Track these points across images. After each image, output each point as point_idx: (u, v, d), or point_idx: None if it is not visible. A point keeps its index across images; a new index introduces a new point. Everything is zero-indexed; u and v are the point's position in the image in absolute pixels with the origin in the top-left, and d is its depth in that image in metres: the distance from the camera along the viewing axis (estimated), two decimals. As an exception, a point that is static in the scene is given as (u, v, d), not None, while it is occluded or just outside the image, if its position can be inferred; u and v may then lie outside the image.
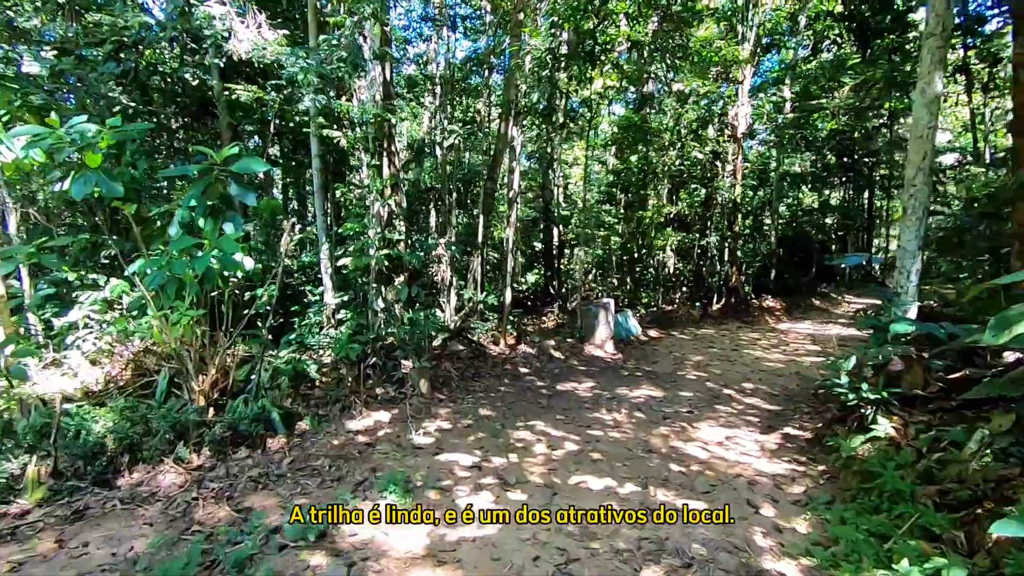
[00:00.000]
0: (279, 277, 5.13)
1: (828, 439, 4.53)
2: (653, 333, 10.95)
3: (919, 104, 5.79)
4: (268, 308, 6.96)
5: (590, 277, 16.04)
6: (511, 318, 9.47)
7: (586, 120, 9.79)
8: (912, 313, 5.37)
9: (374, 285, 6.68)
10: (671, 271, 14.72)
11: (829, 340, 10.64)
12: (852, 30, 16.60)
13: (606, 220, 15.38)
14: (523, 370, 7.57)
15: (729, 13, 12.12)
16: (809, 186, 20.90)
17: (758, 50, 13.46)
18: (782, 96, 15.34)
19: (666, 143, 12.75)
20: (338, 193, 6.94)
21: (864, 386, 4.00)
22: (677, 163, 12.79)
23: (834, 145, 19.32)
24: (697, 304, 14.03)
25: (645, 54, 8.91)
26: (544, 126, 10.79)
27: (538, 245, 15.52)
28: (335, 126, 7.84)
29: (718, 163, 14.22)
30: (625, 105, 16.31)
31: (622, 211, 15.02)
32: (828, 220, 22.73)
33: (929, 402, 3.93)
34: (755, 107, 13.94)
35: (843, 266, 21.58)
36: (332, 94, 6.40)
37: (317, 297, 7.95)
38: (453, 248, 8.78)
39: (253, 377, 4.92)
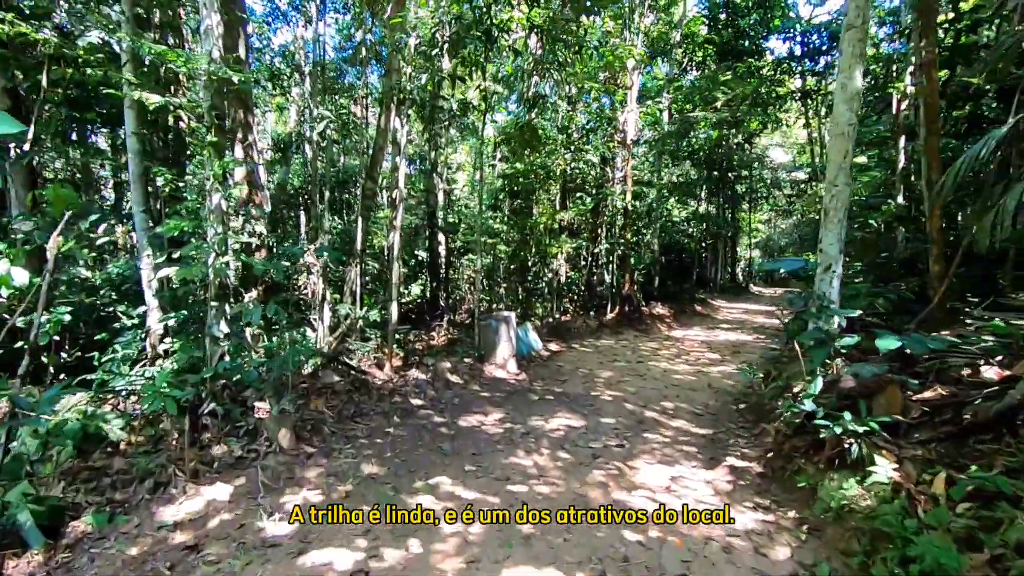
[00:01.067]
0: (44, 294, 3.36)
1: (792, 474, 3.85)
2: (554, 347, 10.16)
3: (839, 100, 5.51)
4: (52, 338, 4.98)
5: (479, 288, 15.05)
6: (397, 336, 8.09)
7: (479, 114, 8.76)
8: (839, 322, 5.00)
9: (214, 304, 4.99)
10: (563, 280, 14.19)
11: (725, 347, 10.60)
12: (716, 53, 17.53)
13: (495, 227, 14.52)
14: (416, 402, 6.25)
15: (619, 15, 11.87)
16: (677, 198, 21.90)
17: (644, 56, 13.45)
18: (661, 107, 15.62)
19: (557, 146, 12.17)
20: (159, 181, 5.16)
21: (847, 415, 3.31)
22: (569, 168, 12.24)
23: (704, 157, 20.35)
24: (591, 313, 13.62)
25: (544, 41, 8.06)
26: (430, 122, 9.62)
27: (421, 254, 14.20)
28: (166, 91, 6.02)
29: (608, 169, 13.99)
30: (513, 112, 15.68)
31: (510, 218, 14.24)
32: (698, 230, 24.06)
33: (914, 430, 3.34)
34: (642, 114, 13.94)
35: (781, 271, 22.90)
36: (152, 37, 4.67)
37: (134, 320, 6.00)
38: (326, 255, 7.21)
39: (-6, 454, 3.12)
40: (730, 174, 22.37)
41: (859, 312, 5.32)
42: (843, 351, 4.45)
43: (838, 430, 3.27)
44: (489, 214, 14.70)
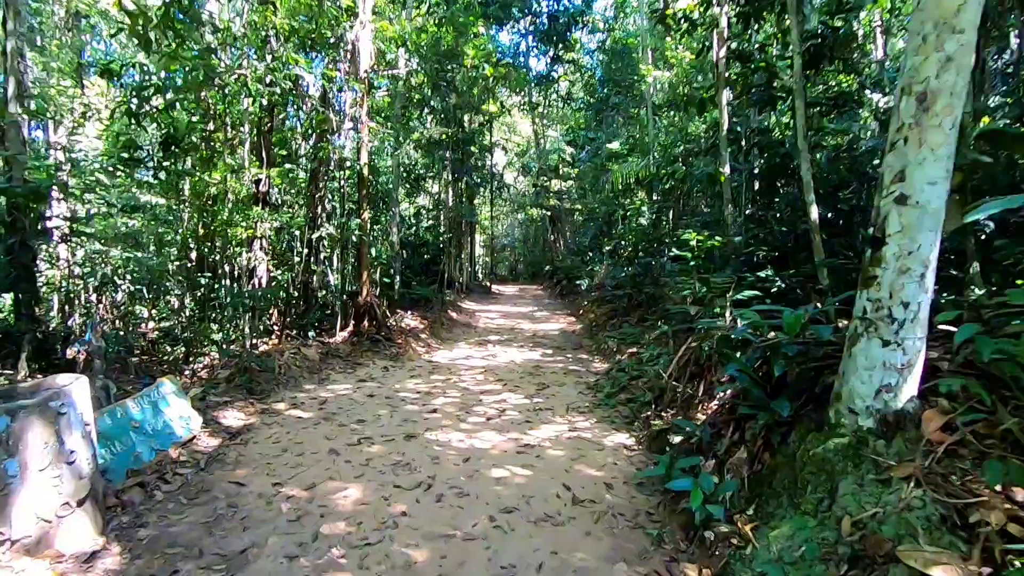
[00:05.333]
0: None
1: None
2: (233, 418, 5.05)
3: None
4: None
5: (85, 310, 8.51)
6: None
7: None
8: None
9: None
10: (263, 283, 8.84)
11: (518, 376, 7.08)
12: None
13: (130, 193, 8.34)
14: None
15: None
16: (408, 185, 18.24)
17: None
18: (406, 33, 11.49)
19: (243, 45, 6.92)
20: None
21: None
22: (264, 89, 7.07)
23: (444, 139, 16.98)
24: (310, 335, 8.67)
25: None
26: None
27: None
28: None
29: (329, 113, 9.18)
30: None
31: (167, 177, 8.23)
32: (437, 222, 20.83)
33: None
34: (382, 36, 9.54)
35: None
36: None
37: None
38: None
39: None
40: (472, 160, 19.71)
41: None
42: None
43: None
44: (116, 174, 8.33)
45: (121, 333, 7.75)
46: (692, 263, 5.27)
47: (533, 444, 4.53)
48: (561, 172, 25.69)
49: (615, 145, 15.35)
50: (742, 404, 3.12)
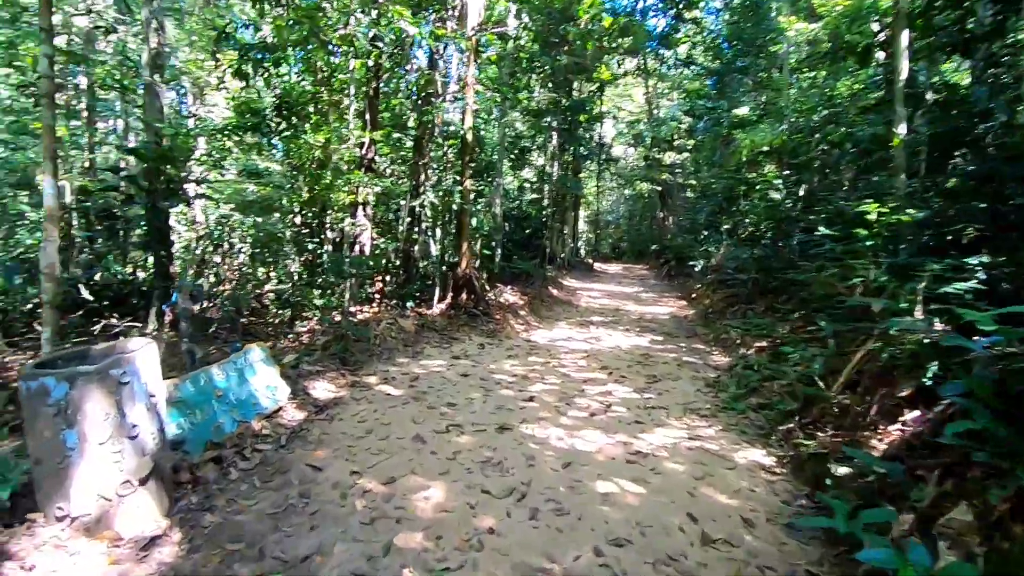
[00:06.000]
0: None
1: None
2: (323, 389, 4.81)
3: None
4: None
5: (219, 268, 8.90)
6: None
7: None
8: None
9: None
10: (365, 250, 8.73)
11: (625, 363, 6.29)
12: None
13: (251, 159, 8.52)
14: None
15: None
16: (513, 157, 17.53)
17: None
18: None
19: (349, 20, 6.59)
20: None
21: None
22: (369, 47, 6.72)
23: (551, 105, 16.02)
24: (409, 305, 8.47)
25: None
26: None
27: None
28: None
29: (436, 76, 8.75)
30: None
31: (282, 142, 8.31)
32: (543, 195, 20.13)
33: None
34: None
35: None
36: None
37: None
38: None
39: None
40: (580, 130, 18.66)
41: None
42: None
43: None
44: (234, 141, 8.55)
45: (237, 294, 8.01)
46: (870, 243, 4.12)
47: (646, 452, 3.79)
48: (675, 144, 23.84)
49: (743, 111, 13.64)
50: (972, 446, 2.16)
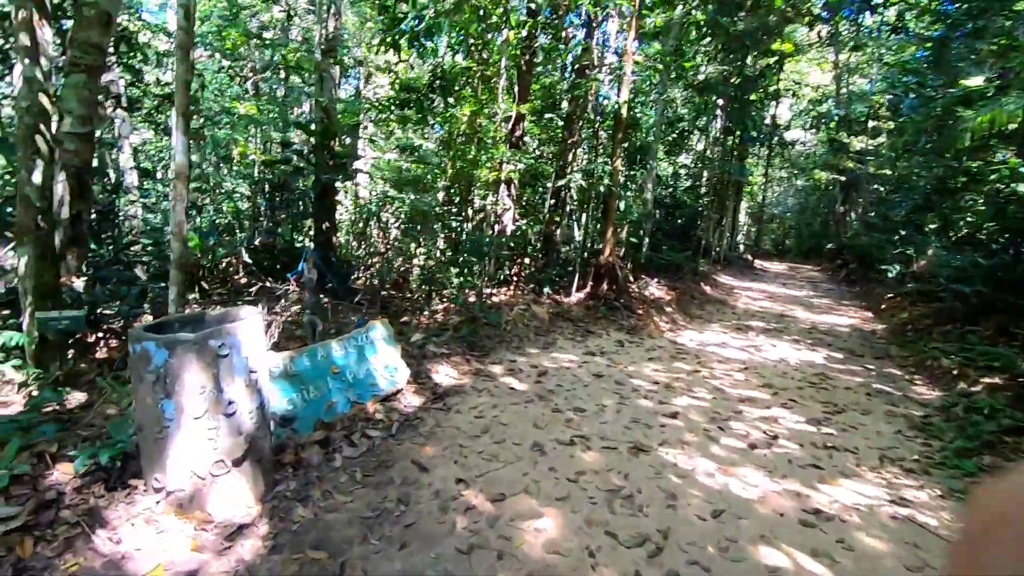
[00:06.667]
0: None
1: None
2: (445, 374, 4.53)
3: None
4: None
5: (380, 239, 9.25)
6: None
7: None
8: None
9: None
10: (507, 230, 8.44)
11: (793, 382, 5.14)
12: None
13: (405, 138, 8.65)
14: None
15: None
16: (670, 142, 15.92)
17: None
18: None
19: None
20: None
21: None
22: (524, 15, 6.25)
23: (714, 81, 14.13)
24: (545, 291, 8.02)
25: None
26: None
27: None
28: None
29: (592, 43, 8.05)
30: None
31: (433, 115, 8.28)
32: (700, 181, 18.36)
33: None
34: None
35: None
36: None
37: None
38: None
39: None
40: (750, 110, 16.54)
41: None
42: None
43: None
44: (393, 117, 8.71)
45: (382, 268, 8.23)
46: None
47: (828, 512, 2.87)
48: (869, 127, 20.31)
49: (976, 81, 10.89)
50: None
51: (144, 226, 10.48)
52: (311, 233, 10.65)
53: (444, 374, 4.55)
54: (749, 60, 15.28)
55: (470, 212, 7.91)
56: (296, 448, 2.89)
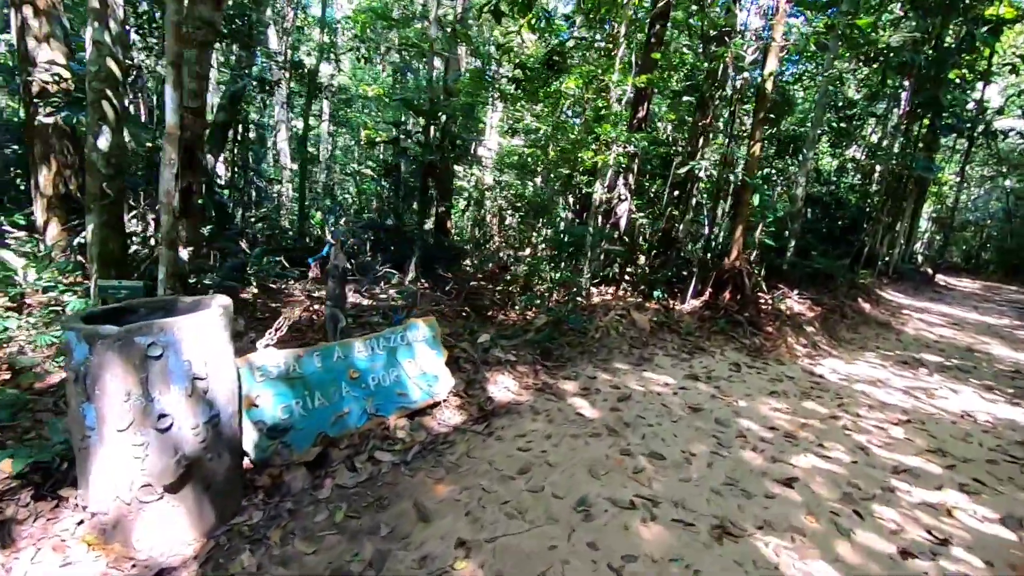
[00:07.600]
0: None
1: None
2: (500, 388, 3.85)
3: None
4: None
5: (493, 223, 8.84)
6: None
7: None
8: None
9: None
10: (622, 223, 7.46)
11: (1000, 469, 3.64)
12: None
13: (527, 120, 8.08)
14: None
15: None
16: (833, 134, 13.25)
17: None
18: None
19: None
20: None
21: None
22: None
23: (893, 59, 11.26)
24: (656, 294, 6.96)
25: None
26: None
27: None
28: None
29: (737, 5, 6.72)
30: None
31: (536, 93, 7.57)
32: (871, 177, 15.39)
33: None
34: None
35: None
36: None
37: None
38: None
39: None
40: (946, 91, 13.34)
41: None
42: None
43: None
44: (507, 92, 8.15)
45: (481, 257, 7.78)
46: None
47: None
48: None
49: None
50: None
51: (271, 206, 11.17)
52: (425, 216, 10.60)
53: (502, 386, 3.88)
54: (952, 29, 12.36)
55: (571, 200, 7.09)
56: (279, 468, 2.41)
